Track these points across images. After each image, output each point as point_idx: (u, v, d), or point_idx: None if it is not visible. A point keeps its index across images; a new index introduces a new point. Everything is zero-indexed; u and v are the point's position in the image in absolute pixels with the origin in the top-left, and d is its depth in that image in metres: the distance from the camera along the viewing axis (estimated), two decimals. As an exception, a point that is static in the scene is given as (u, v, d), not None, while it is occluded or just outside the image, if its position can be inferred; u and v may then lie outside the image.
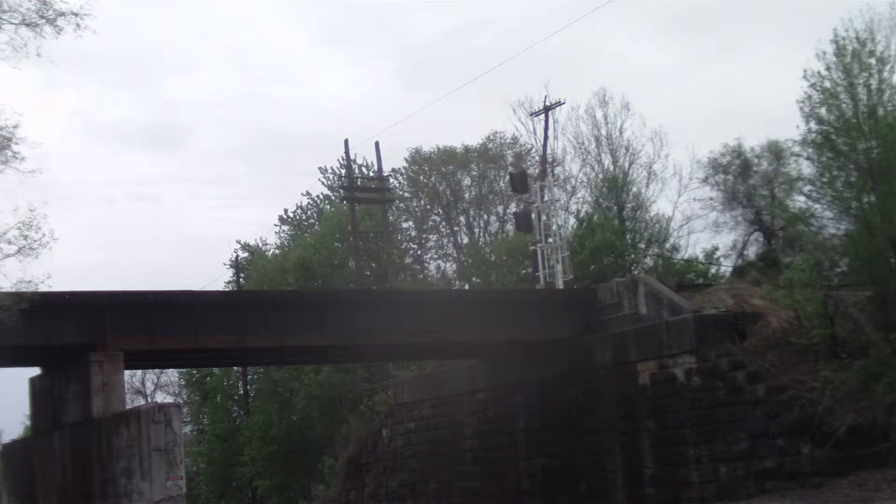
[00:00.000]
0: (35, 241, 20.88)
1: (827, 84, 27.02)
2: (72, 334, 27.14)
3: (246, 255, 59.83)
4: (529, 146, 53.90)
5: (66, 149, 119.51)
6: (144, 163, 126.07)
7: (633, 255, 41.36)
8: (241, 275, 58.06)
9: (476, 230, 55.37)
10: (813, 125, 27.51)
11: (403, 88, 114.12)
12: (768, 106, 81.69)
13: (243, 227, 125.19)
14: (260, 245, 60.52)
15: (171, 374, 68.35)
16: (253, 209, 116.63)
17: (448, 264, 56.37)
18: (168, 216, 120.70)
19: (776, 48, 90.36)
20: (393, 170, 55.80)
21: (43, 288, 21.62)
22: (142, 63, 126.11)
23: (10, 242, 20.70)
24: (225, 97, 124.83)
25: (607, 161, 49.44)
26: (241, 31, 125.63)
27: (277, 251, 58.44)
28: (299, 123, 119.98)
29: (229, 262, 60.05)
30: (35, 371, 30.91)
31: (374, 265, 51.05)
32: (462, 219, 55.92)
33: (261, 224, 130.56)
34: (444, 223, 56.45)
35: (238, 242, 60.49)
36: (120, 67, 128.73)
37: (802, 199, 29.82)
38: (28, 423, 48.69)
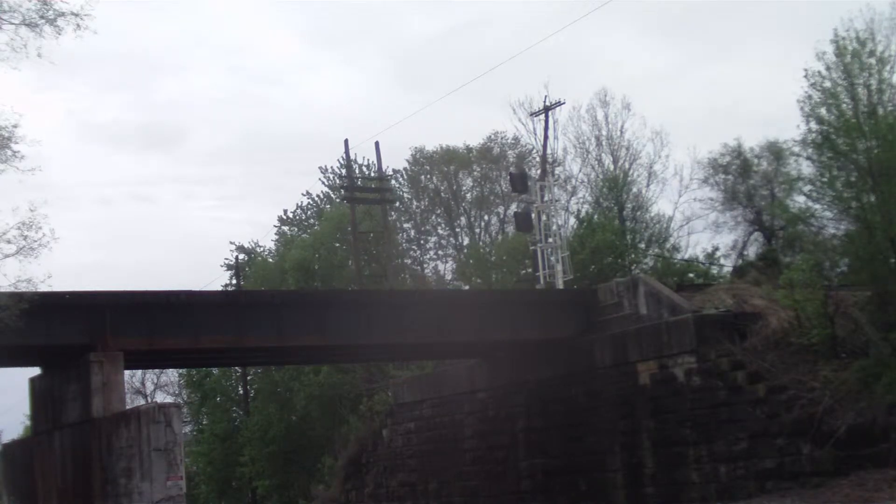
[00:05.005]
0: (35, 240, 20.90)
1: (827, 84, 27.02)
2: (72, 334, 27.13)
3: (242, 256, 59.89)
4: (530, 146, 53.97)
5: (61, 150, 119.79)
6: (140, 164, 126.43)
7: (633, 255, 41.32)
8: (240, 276, 58.10)
9: (477, 230, 55.38)
10: (813, 125, 27.51)
11: (402, 89, 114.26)
12: (767, 106, 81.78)
13: (240, 228, 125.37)
14: (254, 247, 60.67)
15: (171, 374, 68.46)
16: (250, 210, 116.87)
17: (446, 265, 56.45)
18: (165, 217, 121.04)
19: (775, 48, 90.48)
20: (394, 170, 55.86)
21: (43, 288, 21.65)
22: (135, 65, 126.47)
23: (9, 242, 20.72)
24: (219, 98, 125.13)
25: (608, 161, 49.49)
26: (235, 33, 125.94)
27: (272, 252, 58.58)
28: (295, 124, 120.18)
29: (225, 265, 60.20)
30: (35, 371, 30.92)
31: (374, 265, 51.05)
32: (463, 219, 55.92)
33: (258, 224, 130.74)
34: (443, 223, 56.44)
35: (233, 244, 60.65)
36: (113, 69, 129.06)
37: (802, 199, 29.81)
38: (28, 423, 48.76)
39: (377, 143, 49.22)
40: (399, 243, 55.07)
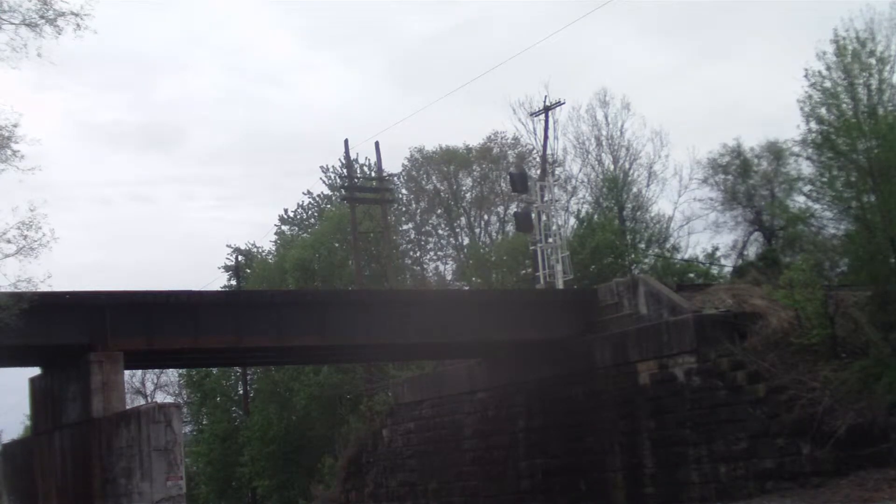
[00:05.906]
0: (35, 240, 20.90)
1: (827, 84, 27.05)
2: (72, 334, 27.12)
3: (241, 258, 59.90)
4: (530, 146, 53.96)
5: (60, 150, 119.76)
6: (140, 164, 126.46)
7: (633, 255, 41.33)
8: (240, 278, 58.09)
9: (477, 230, 55.37)
10: (813, 125, 27.55)
11: (401, 89, 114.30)
12: (767, 106, 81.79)
13: (240, 228, 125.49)
14: (250, 248, 60.69)
15: (171, 374, 68.49)
16: (250, 210, 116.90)
17: (446, 266, 56.44)
18: (165, 217, 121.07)
19: (775, 48, 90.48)
20: (390, 174, 55.84)
21: (43, 288, 21.65)
22: (135, 65, 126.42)
23: (9, 242, 20.72)
24: (219, 98, 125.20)
25: (608, 161, 49.52)
26: (234, 33, 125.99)
27: (271, 253, 58.60)
28: (295, 124, 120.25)
29: (223, 267, 60.17)
30: (35, 371, 30.92)
31: (374, 265, 51.04)
32: (463, 219, 55.91)
33: (257, 224, 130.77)
34: (443, 223, 56.42)
35: (230, 247, 60.64)
36: (113, 69, 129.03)
37: (802, 199, 29.88)
38: (28, 423, 48.78)
39: (377, 143, 49.25)
40: (399, 244, 55.04)
